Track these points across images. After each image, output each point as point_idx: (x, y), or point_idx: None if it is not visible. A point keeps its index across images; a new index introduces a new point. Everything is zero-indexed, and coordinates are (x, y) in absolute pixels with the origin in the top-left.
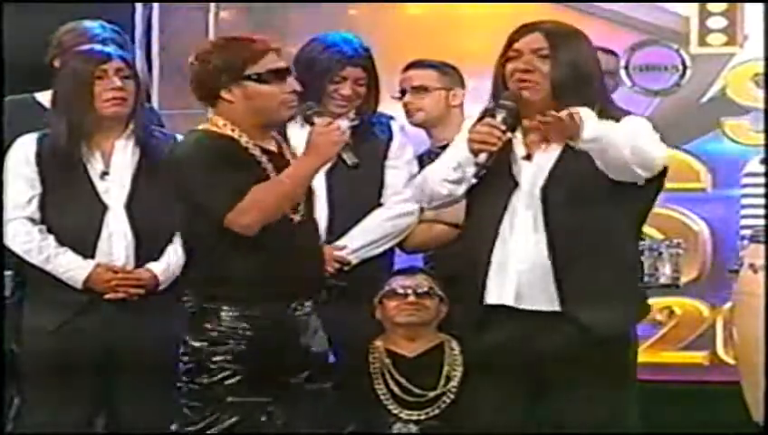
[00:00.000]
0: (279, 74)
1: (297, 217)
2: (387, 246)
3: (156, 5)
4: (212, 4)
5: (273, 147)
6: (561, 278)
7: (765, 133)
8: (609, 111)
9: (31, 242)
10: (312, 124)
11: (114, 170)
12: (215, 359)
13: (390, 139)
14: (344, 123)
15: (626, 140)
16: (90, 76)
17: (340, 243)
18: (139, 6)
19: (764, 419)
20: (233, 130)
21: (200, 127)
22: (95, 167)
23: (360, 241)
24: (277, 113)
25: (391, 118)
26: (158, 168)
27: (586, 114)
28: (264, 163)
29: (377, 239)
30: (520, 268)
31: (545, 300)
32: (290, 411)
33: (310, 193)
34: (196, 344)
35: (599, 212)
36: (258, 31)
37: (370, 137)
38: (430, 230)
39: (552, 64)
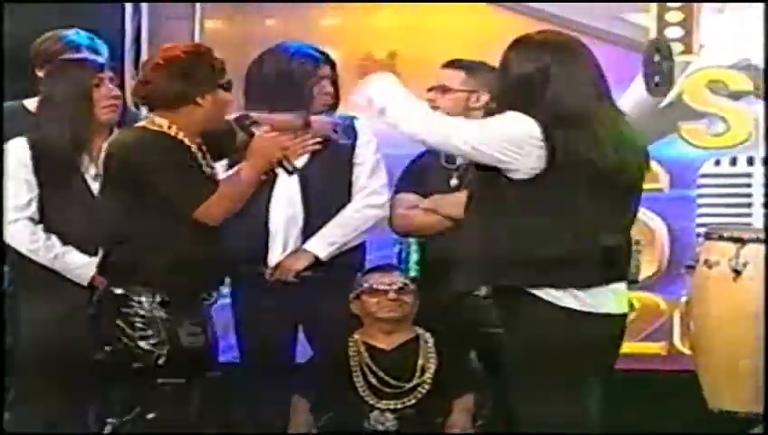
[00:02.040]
0: (231, 86)
1: None
2: (360, 239)
3: (144, 16)
4: (197, 15)
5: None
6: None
7: (766, 132)
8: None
9: (37, 242)
10: (250, 134)
11: None
12: (141, 344)
13: (355, 138)
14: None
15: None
16: (89, 84)
17: (313, 239)
18: (128, 17)
19: (765, 409)
20: (177, 133)
21: (145, 127)
22: (88, 169)
23: (333, 236)
24: (225, 119)
25: (354, 118)
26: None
27: (376, 78)
28: (200, 161)
29: (348, 232)
30: None
31: None
32: (202, 397)
33: None
34: (125, 329)
35: (488, 195)
36: (240, 39)
37: (337, 138)
38: (426, 217)
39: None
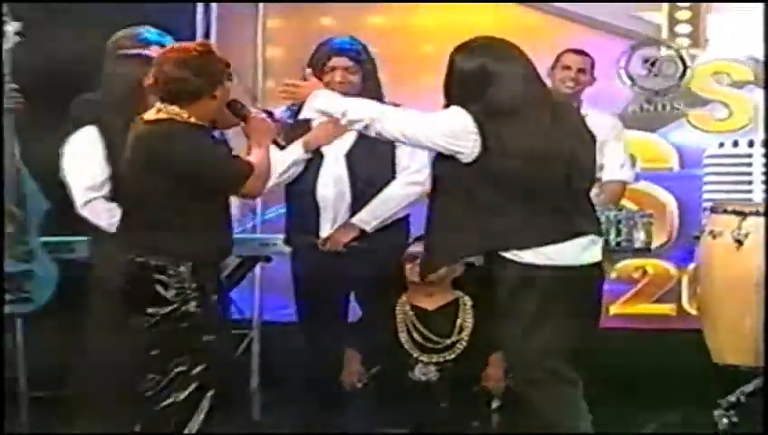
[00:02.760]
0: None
1: None
2: (403, 213)
3: (213, 16)
4: (260, 15)
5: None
6: None
7: (765, 118)
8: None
9: (114, 217)
10: (243, 117)
11: None
12: (184, 307)
13: None
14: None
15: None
16: (142, 75)
17: (360, 214)
18: (199, 17)
19: (765, 366)
20: (197, 123)
21: (173, 119)
22: None
23: (377, 211)
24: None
25: (397, 105)
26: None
27: (319, 93)
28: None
29: (392, 207)
30: None
31: None
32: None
33: None
34: (164, 294)
35: (444, 175)
36: (298, 36)
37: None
38: None
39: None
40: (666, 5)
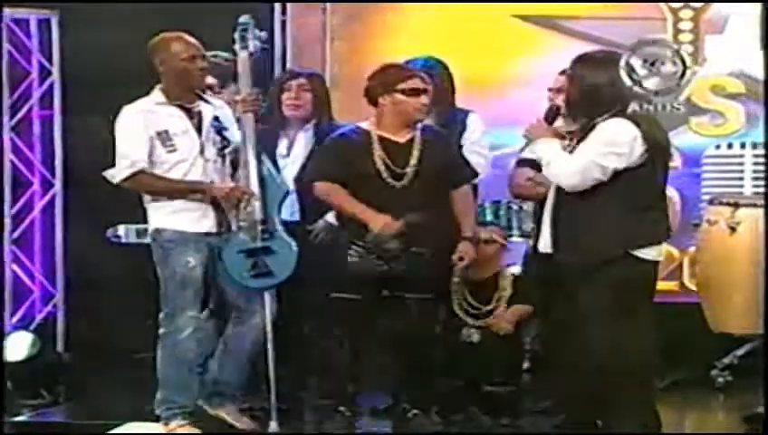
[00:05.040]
0: (416, 92)
1: (399, 185)
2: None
3: (289, 39)
4: (328, 39)
5: (402, 138)
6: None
7: (766, 123)
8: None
9: None
10: None
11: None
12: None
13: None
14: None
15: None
16: (276, 90)
17: None
18: (277, 39)
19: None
20: (370, 126)
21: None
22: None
23: None
24: (412, 116)
25: (471, 111)
26: None
27: (541, 141)
28: (375, 150)
29: None
30: None
31: None
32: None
33: (417, 170)
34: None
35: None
36: (361, 57)
37: (452, 127)
38: (534, 187)
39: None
40: (670, 29)
